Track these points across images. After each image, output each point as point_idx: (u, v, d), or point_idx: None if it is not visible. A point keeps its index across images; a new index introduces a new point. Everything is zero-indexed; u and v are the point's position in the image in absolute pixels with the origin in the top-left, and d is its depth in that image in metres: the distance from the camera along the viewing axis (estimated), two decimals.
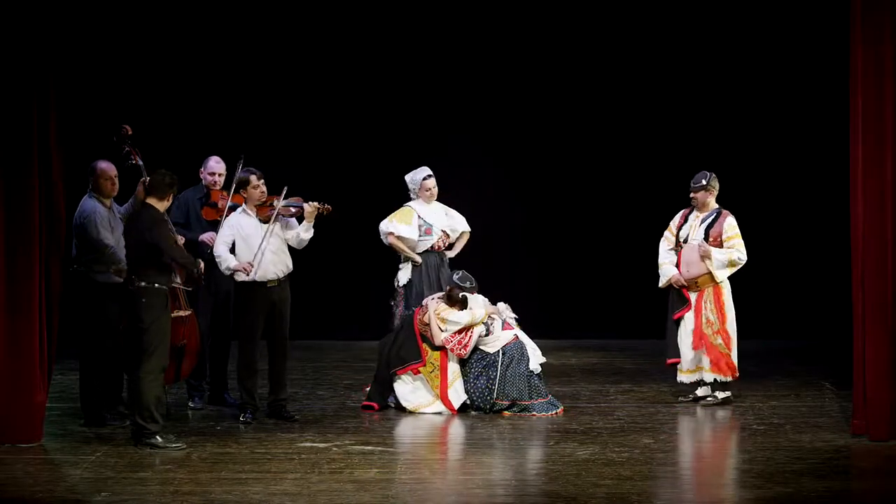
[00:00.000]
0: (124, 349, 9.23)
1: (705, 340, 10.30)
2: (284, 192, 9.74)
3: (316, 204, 9.79)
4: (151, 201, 8.99)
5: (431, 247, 10.79)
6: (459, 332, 10.15)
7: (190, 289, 9.63)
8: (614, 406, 10.42)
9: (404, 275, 10.81)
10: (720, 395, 10.37)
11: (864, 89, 8.94)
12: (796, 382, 11.33)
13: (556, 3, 13.78)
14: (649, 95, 13.97)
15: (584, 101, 14.01)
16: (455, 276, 10.33)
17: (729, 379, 10.31)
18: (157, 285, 8.91)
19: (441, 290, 10.56)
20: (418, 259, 10.77)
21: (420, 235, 10.76)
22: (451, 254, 10.94)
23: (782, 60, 13.76)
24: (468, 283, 10.30)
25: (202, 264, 9.36)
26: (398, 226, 10.72)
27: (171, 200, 9.11)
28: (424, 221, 10.79)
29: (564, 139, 14.11)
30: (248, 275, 9.61)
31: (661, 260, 10.61)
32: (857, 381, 9.09)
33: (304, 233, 9.83)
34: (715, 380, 10.33)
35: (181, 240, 9.54)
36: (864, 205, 8.98)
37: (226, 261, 9.65)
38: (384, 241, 10.82)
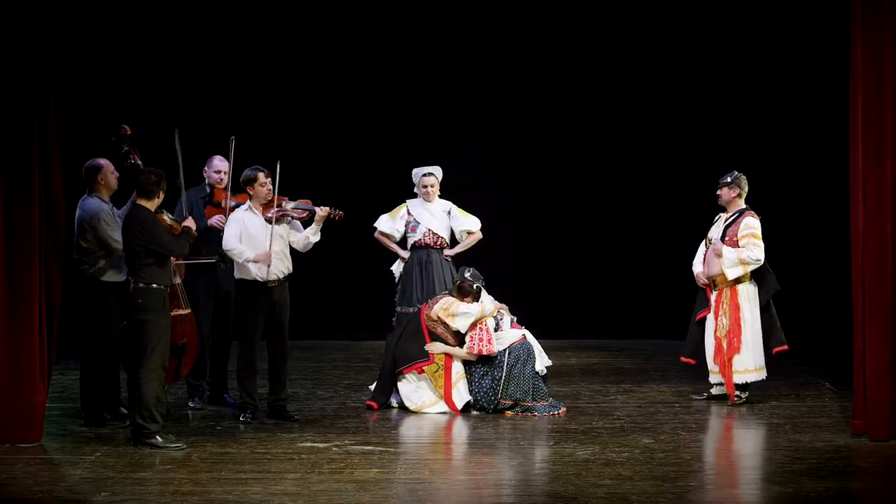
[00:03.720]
0: (124, 349, 9.23)
1: (718, 343, 10.31)
2: (278, 168, 9.73)
3: (328, 209, 9.83)
4: (142, 202, 9.00)
5: (416, 243, 10.84)
6: (473, 326, 10.13)
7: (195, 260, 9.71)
8: (614, 406, 10.42)
9: (396, 269, 10.94)
10: (741, 394, 10.38)
11: (864, 89, 8.93)
12: (796, 382, 11.34)
13: (567, 5, 13.79)
14: (651, 97, 13.98)
15: (588, 104, 14.03)
16: (467, 273, 10.33)
17: (745, 381, 10.31)
18: (154, 285, 8.90)
19: (431, 287, 10.60)
20: (403, 254, 10.88)
21: (407, 232, 10.88)
22: (448, 252, 10.94)
23: (782, 61, 13.76)
24: (480, 280, 10.32)
25: (192, 224, 9.28)
26: (382, 220, 10.93)
27: (161, 197, 9.07)
28: (413, 218, 10.85)
29: (568, 141, 14.12)
30: (268, 265, 9.59)
31: (694, 261, 10.63)
32: (857, 381, 9.09)
33: (312, 236, 9.86)
34: (745, 382, 10.33)
35: (190, 224, 9.42)
36: (865, 205, 8.98)
37: (243, 253, 9.60)
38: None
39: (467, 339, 10.18)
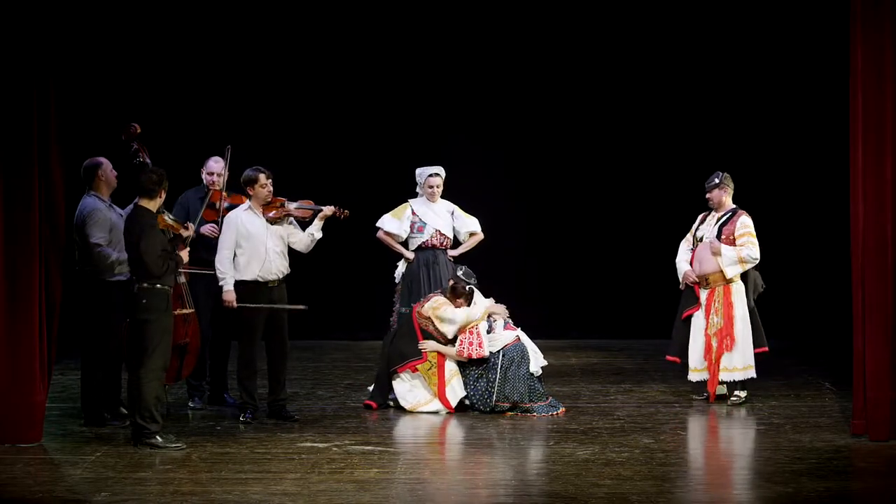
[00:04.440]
0: (125, 349, 9.22)
1: (708, 341, 10.33)
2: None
3: (333, 208, 9.84)
4: (143, 202, 8.99)
5: (424, 244, 10.80)
6: (463, 330, 10.13)
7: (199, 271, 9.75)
8: (614, 406, 10.42)
9: (399, 270, 10.87)
10: (741, 394, 10.38)
11: (864, 89, 8.93)
12: (796, 382, 11.34)
13: (565, 6, 13.79)
14: (650, 97, 13.99)
15: (588, 103, 14.04)
16: (459, 272, 10.33)
17: (733, 379, 10.32)
18: (158, 286, 8.90)
19: (438, 288, 10.59)
20: (408, 255, 10.82)
21: (412, 232, 10.80)
22: (452, 252, 10.94)
23: (781, 61, 13.76)
24: (472, 279, 10.31)
25: (184, 256, 9.30)
26: (386, 220, 10.84)
27: (162, 197, 9.06)
28: (419, 219, 10.82)
29: (568, 140, 14.13)
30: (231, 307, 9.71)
31: (678, 259, 10.61)
32: (857, 382, 9.09)
33: (316, 233, 9.88)
34: (732, 380, 10.35)
35: (190, 228, 9.42)
36: (864, 205, 8.98)
37: (224, 278, 9.69)
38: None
39: (457, 342, 10.18)
